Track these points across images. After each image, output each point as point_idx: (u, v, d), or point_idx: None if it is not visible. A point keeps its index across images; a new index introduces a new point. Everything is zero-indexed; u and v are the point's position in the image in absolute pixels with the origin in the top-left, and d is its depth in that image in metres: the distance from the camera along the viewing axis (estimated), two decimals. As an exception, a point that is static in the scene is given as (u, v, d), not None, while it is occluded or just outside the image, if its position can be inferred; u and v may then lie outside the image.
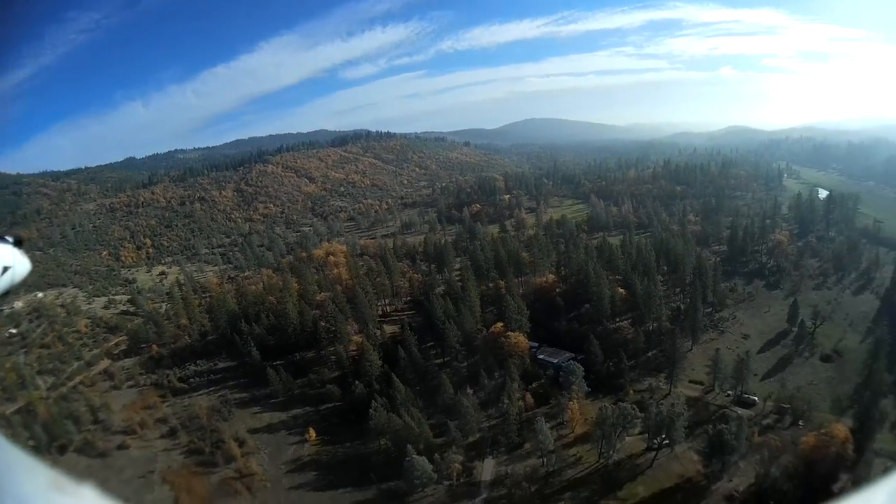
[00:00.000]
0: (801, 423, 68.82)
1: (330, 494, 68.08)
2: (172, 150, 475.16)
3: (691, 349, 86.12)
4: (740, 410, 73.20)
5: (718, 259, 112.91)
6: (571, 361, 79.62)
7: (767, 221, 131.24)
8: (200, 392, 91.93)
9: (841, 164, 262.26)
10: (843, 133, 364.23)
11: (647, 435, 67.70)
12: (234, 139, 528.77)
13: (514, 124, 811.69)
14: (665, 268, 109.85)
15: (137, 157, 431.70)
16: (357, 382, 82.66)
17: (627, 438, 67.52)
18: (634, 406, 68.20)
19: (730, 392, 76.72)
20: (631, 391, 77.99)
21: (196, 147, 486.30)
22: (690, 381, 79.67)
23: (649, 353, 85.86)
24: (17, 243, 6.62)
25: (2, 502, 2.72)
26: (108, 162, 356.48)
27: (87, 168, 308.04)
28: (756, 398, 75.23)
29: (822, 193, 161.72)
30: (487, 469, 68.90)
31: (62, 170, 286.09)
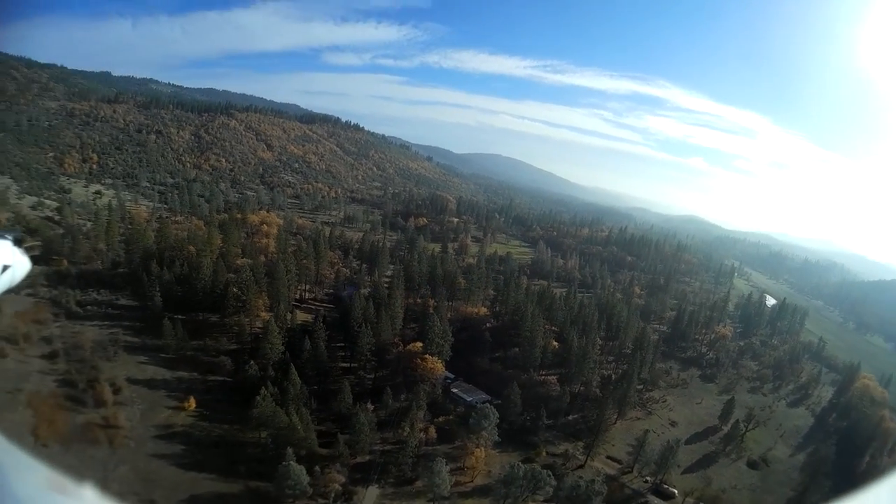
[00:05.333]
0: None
1: (192, 476, 58.79)
2: (148, 77, 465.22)
3: (615, 423, 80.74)
4: (657, 501, 68.27)
5: (660, 338, 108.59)
6: (487, 405, 71.93)
7: (714, 314, 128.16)
8: (94, 322, 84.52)
9: (793, 277, 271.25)
10: (800, 249, 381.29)
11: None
12: (208, 87, 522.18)
13: (479, 155, 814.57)
14: (605, 332, 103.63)
15: (114, 73, 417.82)
16: (252, 362, 75.58)
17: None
18: (549, 472, 60.93)
19: (648, 478, 71.30)
20: (544, 452, 72.18)
21: (171, 83, 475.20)
22: (608, 457, 74.50)
23: (570, 417, 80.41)
24: (17, 242, 6.59)
25: (2, 502, 2.72)
26: (83, 68, 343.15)
27: (61, 67, 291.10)
28: (675, 490, 69.67)
29: (770, 301, 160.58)
30: (370, 498, 60.70)
31: (38, 60, 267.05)
